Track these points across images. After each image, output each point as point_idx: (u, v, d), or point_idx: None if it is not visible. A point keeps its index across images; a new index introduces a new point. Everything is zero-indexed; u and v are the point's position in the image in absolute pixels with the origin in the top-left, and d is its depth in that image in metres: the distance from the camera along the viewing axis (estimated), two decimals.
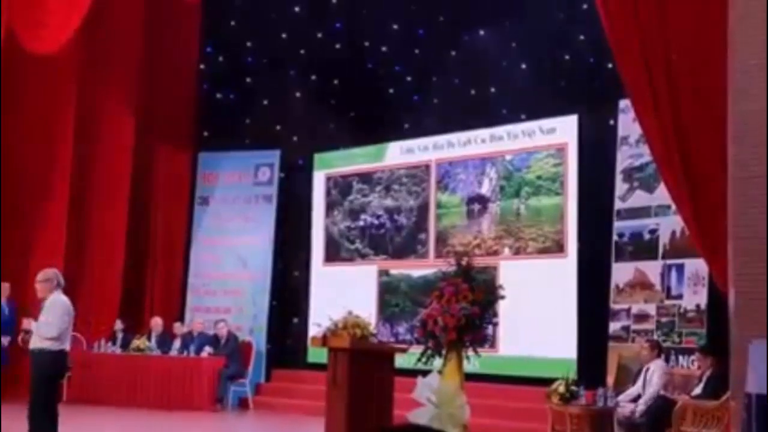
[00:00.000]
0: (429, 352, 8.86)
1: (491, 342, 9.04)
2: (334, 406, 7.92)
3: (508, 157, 12.45)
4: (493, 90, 13.13)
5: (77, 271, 13.78)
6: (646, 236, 10.60)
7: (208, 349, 13.26)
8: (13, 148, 13.16)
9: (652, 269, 10.48)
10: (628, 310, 10.67)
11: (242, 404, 13.48)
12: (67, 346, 7.74)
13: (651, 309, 10.42)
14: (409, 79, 14.25)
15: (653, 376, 9.11)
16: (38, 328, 7.59)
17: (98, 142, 14.21)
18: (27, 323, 7.69)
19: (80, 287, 13.69)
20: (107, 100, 14.26)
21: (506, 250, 12.27)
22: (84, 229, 14.10)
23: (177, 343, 13.51)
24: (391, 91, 14.30)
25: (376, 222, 13.89)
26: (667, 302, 10.26)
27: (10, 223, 13.21)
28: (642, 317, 10.50)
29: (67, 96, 13.65)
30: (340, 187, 14.35)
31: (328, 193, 14.49)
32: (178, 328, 13.90)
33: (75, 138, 13.73)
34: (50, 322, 7.61)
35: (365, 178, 14.03)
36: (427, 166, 13.32)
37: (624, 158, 11.01)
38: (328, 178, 14.50)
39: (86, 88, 13.89)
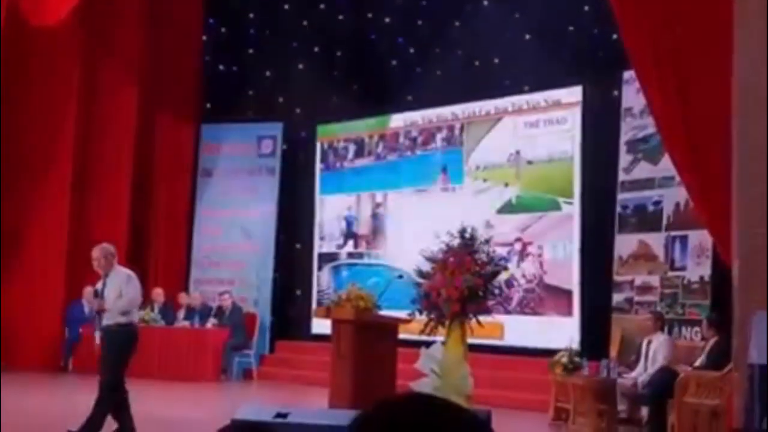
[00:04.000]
0: (432, 323, 8.89)
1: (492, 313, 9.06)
2: (338, 377, 7.97)
3: (511, 129, 12.42)
4: (496, 61, 13.07)
5: (80, 244, 13.80)
6: (650, 208, 10.59)
7: (212, 321, 13.31)
8: (15, 121, 13.13)
9: (655, 241, 10.48)
10: (632, 282, 10.68)
11: (247, 375, 13.55)
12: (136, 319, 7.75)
13: (654, 281, 10.43)
14: (412, 50, 14.18)
15: (658, 354, 9.13)
16: (115, 304, 7.43)
17: (101, 115, 14.18)
18: (99, 303, 7.50)
19: (85, 261, 13.69)
20: (110, 73, 14.21)
21: (509, 223, 12.27)
22: (87, 202, 14.09)
23: (181, 315, 13.56)
24: (393, 62, 14.23)
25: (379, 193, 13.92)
26: (671, 274, 10.27)
27: (14, 197, 13.21)
28: (645, 289, 10.51)
29: (70, 69, 13.62)
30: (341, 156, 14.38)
31: (330, 164, 14.51)
32: (183, 298, 13.95)
33: (77, 111, 13.71)
34: (130, 297, 7.53)
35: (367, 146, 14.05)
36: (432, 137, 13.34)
37: (628, 130, 10.98)
38: (330, 148, 14.51)
39: (88, 61, 13.85)
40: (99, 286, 7.59)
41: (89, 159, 14.09)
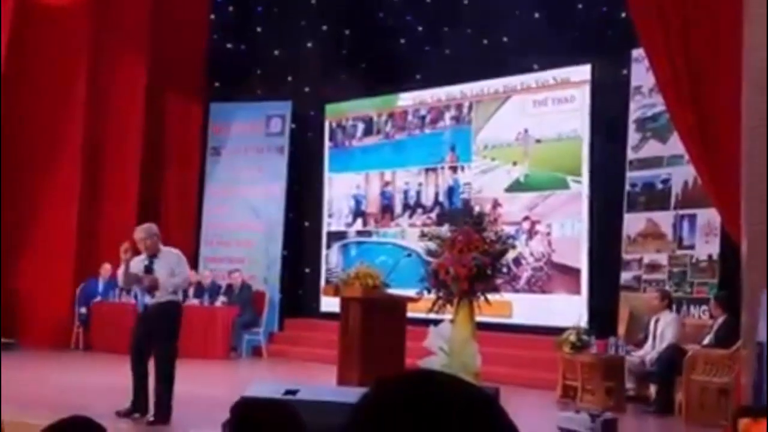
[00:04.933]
0: (440, 301, 8.92)
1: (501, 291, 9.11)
2: (347, 355, 8.01)
3: (520, 107, 12.40)
4: (505, 40, 13.02)
5: (91, 223, 13.87)
6: (659, 186, 10.58)
7: (222, 299, 13.38)
8: (24, 102, 13.13)
9: (664, 219, 10.48)
10: (640, 260, 10.69)
11: (256, 352, 13.61)
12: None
13: (663, 259, 10.44)
14: (420, 29, 14.13)
15: (666, 332, 9.15)
16: (167, 282, 7.45)
17: (109, 95, 14.17)
18: (151, 280, 7.44)
19: (94, 240, 13.79)
20: (118, 52, 14.18)
21: (517, 202, 12.28)
22: (97, 181, 14.11)
23: (191, 293, 13.61)
24: (402, 41, 14.19)
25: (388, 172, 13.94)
26: (679, 252, 10.27)
27: (24, 177, 13.26)
28: (654, 267, 10.52)
29: (79, 49, 13.59)
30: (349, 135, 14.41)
31: (339, 143, 14.54)
32: (193, 276, 13.98)
33: (86, 92, 13.70)
34: (185, 275, 7.70)
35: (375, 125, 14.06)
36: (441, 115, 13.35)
37: (637, 108, 10.96)
38: (339, 126, 14.54)
39: (97, 40, 13.81)
40: (144, 263, 7.53)
41: (99, 139, 14.09)
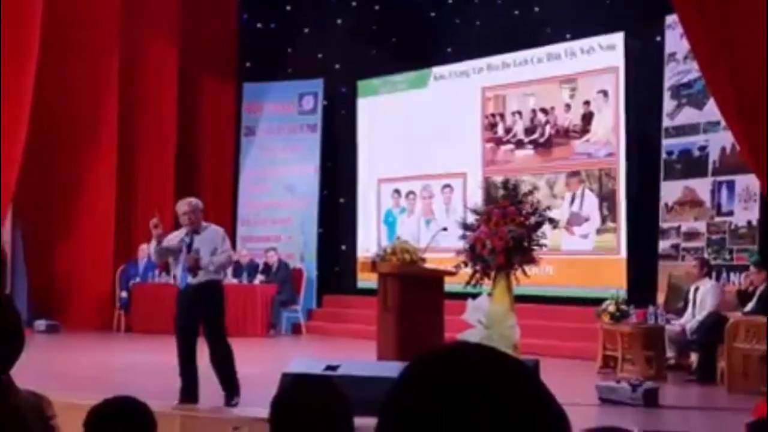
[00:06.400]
0: (477, 275, 8.91)
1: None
2: (386, 330, 8.04)
3: (554, 77, 12.31)
4: (537, 10, 12.89)
5: (129, 205, 14.00)
6: (696, 153, 10.48)
7: (260, 277, 13.48)
8: (59, 87, 13.24)
9: (701, 186, 10.39)
10: (678, 228, 10.61)
11: (295, 330, 13.73)
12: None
13: (701, 226, 10.35)
14: (450, 1, 14.04)
15: (706, 300, 9.09)
16: (212, 260, 7.07)
17: (143, 78, 14.26)
18: (193, 259, 7.00)
19: (131, 222, 13.93)
20: (150, 35, 14.25)
21: (552, 171, 12.22)
22: (133, 164, 14.24)
23: (229, 272, 13.72)
24: (432, 14, 14.11)
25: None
26: (718, 219, 10.19)
27: (61, 162, 13.39)
28: (692, 235, 10.44)
29: (111, 32, 13.66)
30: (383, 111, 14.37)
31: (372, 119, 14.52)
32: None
33: (120, 75, 13.79)
34: (229, 252, 7.42)
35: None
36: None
37: (672, 75, 10.84)
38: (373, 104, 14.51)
39: (128, 23, 13.89)
40: (186, 241, 7.14)
41: (133, 122, 14.19)
